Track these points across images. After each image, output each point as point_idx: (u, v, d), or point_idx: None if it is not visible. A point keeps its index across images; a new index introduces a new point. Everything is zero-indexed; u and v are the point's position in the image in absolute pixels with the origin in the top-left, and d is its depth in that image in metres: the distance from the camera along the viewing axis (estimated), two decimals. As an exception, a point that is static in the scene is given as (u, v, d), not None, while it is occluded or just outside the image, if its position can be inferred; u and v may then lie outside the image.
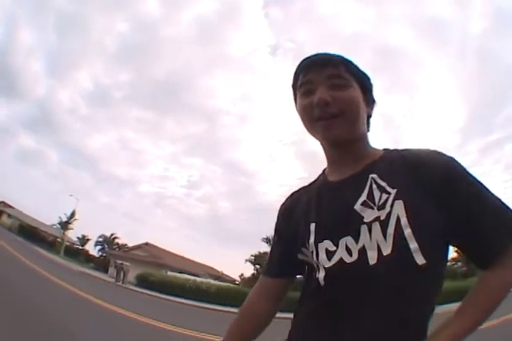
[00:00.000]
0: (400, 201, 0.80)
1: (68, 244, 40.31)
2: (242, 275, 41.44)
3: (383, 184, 0.85)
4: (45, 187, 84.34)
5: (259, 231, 77.24)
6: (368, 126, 1.01)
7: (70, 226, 42.21)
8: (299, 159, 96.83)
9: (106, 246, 50.53)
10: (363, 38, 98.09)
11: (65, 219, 42.89)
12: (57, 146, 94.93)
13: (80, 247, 47.14)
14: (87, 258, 39.57)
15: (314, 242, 0.89)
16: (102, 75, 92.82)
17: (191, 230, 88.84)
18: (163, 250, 38.15)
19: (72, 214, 42.18)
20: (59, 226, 43.60)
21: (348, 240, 0.82)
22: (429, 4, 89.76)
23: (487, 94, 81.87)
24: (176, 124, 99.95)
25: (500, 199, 0.82)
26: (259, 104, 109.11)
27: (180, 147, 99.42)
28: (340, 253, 0.83)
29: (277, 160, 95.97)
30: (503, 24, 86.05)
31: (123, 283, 21.37)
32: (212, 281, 28.11)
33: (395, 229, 0.78)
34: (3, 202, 42.82)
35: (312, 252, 0.90)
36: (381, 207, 0.81)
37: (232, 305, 17.10)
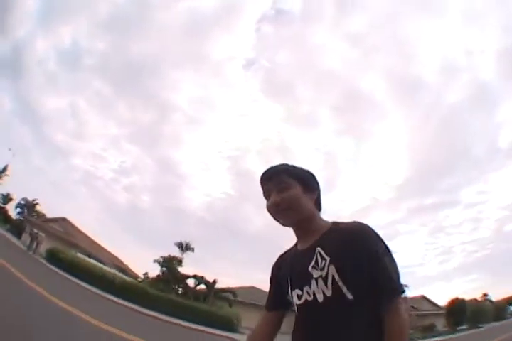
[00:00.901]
0: (332, 266, 1.29)
1: (-10, 198, 37.80)
2: (146, 273, 40.51)
3: (323, 253, 1.34)
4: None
5: (173, 233, 75.87)
6: (318, 206, 1.53)
7: None
8: (231, 175, 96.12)
9: (25, 210, 47.77)
10: (337, 77, 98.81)
11: (-4, 172, 39.80)
12: (13, 94, 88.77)
13: (1, 205, 44.65)
14: (4, 218, 37.61)
15: (290, 290, 1.44)
16: (82, 37, 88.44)
17: (108, 216, 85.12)
18: (78, 229, 37.41)
19: (5, 169, 39.96)
20: (-13, 178, 40.53)
21: (307, 288, 1.35)
22: (416, 64, 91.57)
23: (436, 161, 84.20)
24: (129, 107, 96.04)
25: (392, 264, 1.32)
26: (214, 111, 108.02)
27: (125, 130, 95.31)
28: (305, 296, 1.36)
29: (211, 170, 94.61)
30: (478, 101, 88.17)
31: (34, 253, 20.92)
32: (118, 273, 27.92)
33: (332, 281, 1.28)
34: None
35: (291, 296, 1.44)
36: (322, 269, 1.32)
37: (132, 301, 17.54)
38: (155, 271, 35.08)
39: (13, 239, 24.86)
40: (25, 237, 25.47)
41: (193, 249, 38.93)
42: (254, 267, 68.87)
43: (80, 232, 37.41)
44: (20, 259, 16.25)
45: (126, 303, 16.69)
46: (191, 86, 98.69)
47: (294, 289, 1.42)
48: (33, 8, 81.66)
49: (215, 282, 29.73)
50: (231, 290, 30.53)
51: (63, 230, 33.82)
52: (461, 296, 29.53)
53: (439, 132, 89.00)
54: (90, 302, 13.02)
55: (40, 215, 45.87)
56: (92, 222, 76.20)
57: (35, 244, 21.68)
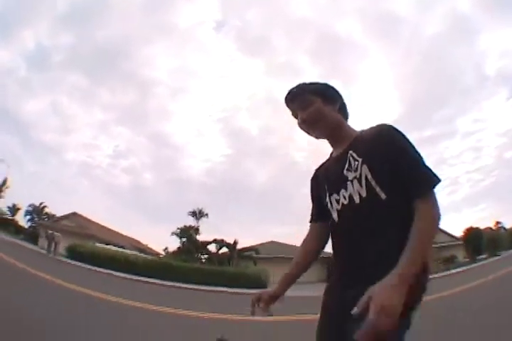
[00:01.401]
0: (365, 165, 1.38)
1: (-2, 214, 37.69)
2: (166, 248, 41.11)
3: (355, 155, 1.43)
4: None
5: (182, 204, 76.76)
6: (344, 115, 1.63)
7: (1, 194, 39.59)
8: (225, 136, 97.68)
9: (35, 215, 48.26)
10: (311, 24, 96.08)
11: (-4, 187, 39.55)
12: None
13: (10, 217, 44.82)
14: (16, 230, 37.98)
15: (329, 196, 1.53)
16: (45, 37, 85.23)
17: (115, 201, 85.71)
18: (90, 220, 37.95)
19: (4, 182, 39.43)
20: (-11, 195, 40.35)
21: (343, 191, 1.44)
22: (388, 0, 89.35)
23: (426, 94, 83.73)
24: (109, 92, 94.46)
25: (420, 158, 1.35)
26: (195, 78, 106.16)
27: (111, 115, 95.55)
28: (342, 200, 1.45)
29: (204, 136, 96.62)
30: (458, 32, 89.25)
31: (54, 254, 21.04)
32: (139, 254, 28.30)
33: (365, 182, 1.36)
34: None
35: (329, 202, 1.53)
36: (355, 170, 1.41)
37: (159, 278, 17.88)
38: (174, 244, 35.74)
39: (31, 246, 25.05)
40: (42, 241, 25.61)
41: (207, 215, 39.60)
42: (268, 222, 70.49)
43: (93, 223, 37.99)
44: (43, 262, 16.53)
45: (154, 280, 17.05)
46: (166, 58, 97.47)
47: (332, 194, 1.52)
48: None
49: (236, 243, 30.49)
50: (253, 248, 31.26)
51: (76, 225, 34.32)
52: (474, 226, 29.81)
53: (424, 65, 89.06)
54: (120, 286, 13.32)
55: (51, 216, 46.22)
56: (101, 211, 76.83)
57: (53, 245, 21.76)
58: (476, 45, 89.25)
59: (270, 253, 31.37)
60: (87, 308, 6.99)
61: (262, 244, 34.46)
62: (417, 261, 1.18)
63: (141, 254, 28.70)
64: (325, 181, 1.60)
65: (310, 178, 1.78)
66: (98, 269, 18.10)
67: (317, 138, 1.62)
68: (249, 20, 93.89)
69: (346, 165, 1.46)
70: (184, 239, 32.23)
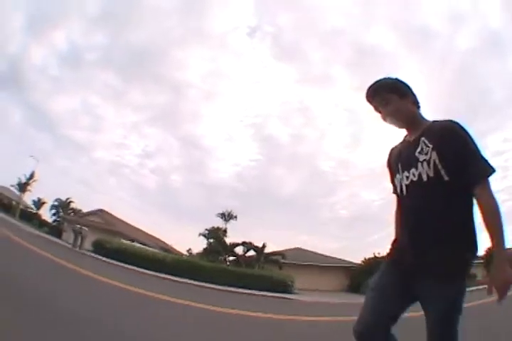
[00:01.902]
0: (434, 152, 1.67)
1: (22, 207, 39.05)
2: (189, 249, 41.49)
3: (427, 142, 1.73)
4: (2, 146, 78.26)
5: (208, 207, 77.04)
6: (417, 105, 1.91)
7: (28, 188, 40.84)
8: (256, 141, 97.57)
9: (60, 210, 48.93)
10: (344, 33, 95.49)
11: (24, 180, 41.15)
12: (21, 105, 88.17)
13: (34, 211, 45.83)
14: (40, 223, 38.32)
15: (401, 172, 1.84)
16: (78, 36, 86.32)
17: (142, 201, 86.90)
18: (116, 217, 38.09)
19: (32, 176, 40.71)
20: (17, 187, 42.10)
21: (413, 170, 1.75)
22: (421, 13, 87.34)
23: (456, 110, 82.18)
24: (141, 93, 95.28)
25: (480, 153, 1.65)
26: (228, 82, 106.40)
27: (142, 116, 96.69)
28: (411, 177, 1.75)
29: (235, 140, 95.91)
30: (491, 47, 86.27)
31: (80, 248, 20.72)
32: (166, 253, 28.02)
33: (433, 164, 1.65)
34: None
35: (400, 178, 1.84)
36: (426, 154, 1.70)
37: (186, 277, 17.43)
38: (199, 245, 35.68)
39: (56, 240, 24.88)
40: (67, 235, 25.63)
41: (235, 217, 39.52)
42: (295, 229, 69.91)
43: (120, 220, 38.08)
44: (70, 255, 15.87)
45: (183, 280, 16.59)
46: (200, 62, 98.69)
47: (404, 171, 1.82)
48: (19, 23, 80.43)
49: (264, 246, 30.30)
50: (280, 253, 30.95)
51: (103, 221, 34.33)
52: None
53: (455, 80, 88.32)
54: (148, 283, 12.58)
55: (77, 211, 46.78)
56: (127, 209, 77.59)
57: (79, 239, 21.40)
58: (507, 61, 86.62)
59: (295, 259, 31.18)
60: (117, 300, 6.78)
61: (287, 250, 33.87)
62: (502, 243, 1.53)
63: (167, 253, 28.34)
64: (398, 160, 1.90)
65: (387, 158, 2.08)
66: (126, 265, 17.52)
67: (396, 128, 1.93)
68: (282, 26, 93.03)
69: (419, 149, 1.76)
70: (211, 240, 31.85)
